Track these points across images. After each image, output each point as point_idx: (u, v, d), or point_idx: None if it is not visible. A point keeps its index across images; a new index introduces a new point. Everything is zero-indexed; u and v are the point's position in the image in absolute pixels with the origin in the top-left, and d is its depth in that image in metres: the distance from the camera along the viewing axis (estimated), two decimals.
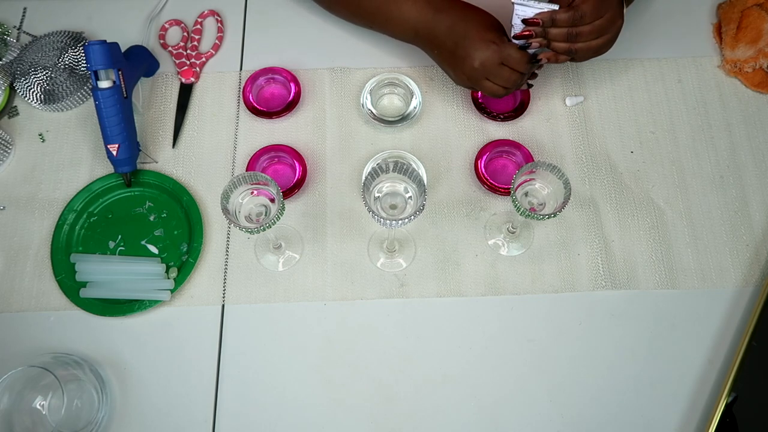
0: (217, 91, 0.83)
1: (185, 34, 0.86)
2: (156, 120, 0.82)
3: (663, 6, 0.88)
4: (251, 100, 0.81)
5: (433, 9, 0.74)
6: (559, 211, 0.63)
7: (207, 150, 0.80)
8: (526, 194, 0.68)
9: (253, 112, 0.81)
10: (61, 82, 0.81)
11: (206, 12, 0.87)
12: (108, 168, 0.79)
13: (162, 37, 0.86)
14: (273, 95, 0.83)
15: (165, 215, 0.77)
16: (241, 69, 0.85)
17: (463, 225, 0.76)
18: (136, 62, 0.80)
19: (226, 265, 0.75)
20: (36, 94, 0.81)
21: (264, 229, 0.62)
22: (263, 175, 0.63)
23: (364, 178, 0.74)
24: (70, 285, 0.73)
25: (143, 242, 0.76)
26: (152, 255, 0.75)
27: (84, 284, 0.73)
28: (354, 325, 0.72)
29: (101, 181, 0.78)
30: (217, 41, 0.86)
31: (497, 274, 0.74)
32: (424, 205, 0.61)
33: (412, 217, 0.60)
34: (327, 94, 0.83)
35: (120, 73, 0.74)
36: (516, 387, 0.70)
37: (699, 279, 0.74)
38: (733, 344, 0.71)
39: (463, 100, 0.82)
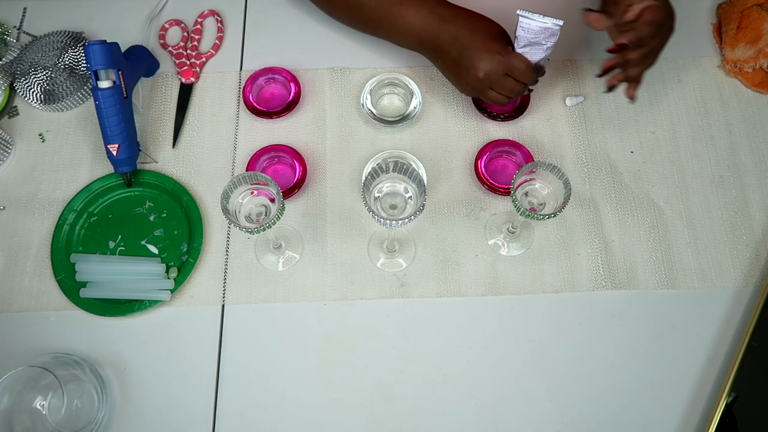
0: (217, 91, 0.83)
1: (185, 34, 0.86)
2: (156, 120, 0.82)
3: None
4: (251, 100, 0.81)
5: (437, 17, 0.73)
6: (559, 211, 0.63)
7: (207, 150, 0.80)
8: (526, 194, 0.68)
9: (253, 112, 0.81)
10: (61, 82, 0.81)
11: (206, 12, 0.88)
12: (108, 168, 0.79)
13: (162, 37, 0.86)
14: (273, 95, 0.83)
15: (165, 215, 0.77)
16: (241, 69, 0.85)
17: (463, 225, 0.76)
18: (136, 62, 0.80)
19: (226, 265, 0.75)
20: (36, 94, 0.81)
21: (264, 229, 0.62)
22: (263, 175, 0.63)
23: (364, 178, 0.74)
24: (70, 285, 0.73)
25: (143, 242, 0.76)
26: (152, 255, 0.75)
27: (84, 284, 0.73)
28: (354, 325, 0.72)
29: (101, 181, 0.78)
30: (217, 41, 0.86)
31: (497, 274, 0.74)
32: (424, 205, 0.61)
33: (412, 217, 0.60)
34: (327, 94, 0.83)
35: (120, 73, 0.74)
36: (516, 387, 0.70)
37: (699, 279, 0.74)
38: (733, 344, 0.71)
39: (463, 100, 0.82)
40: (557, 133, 0.81)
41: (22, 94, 0.81)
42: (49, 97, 0.81)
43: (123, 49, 0.79)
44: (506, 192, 0.76)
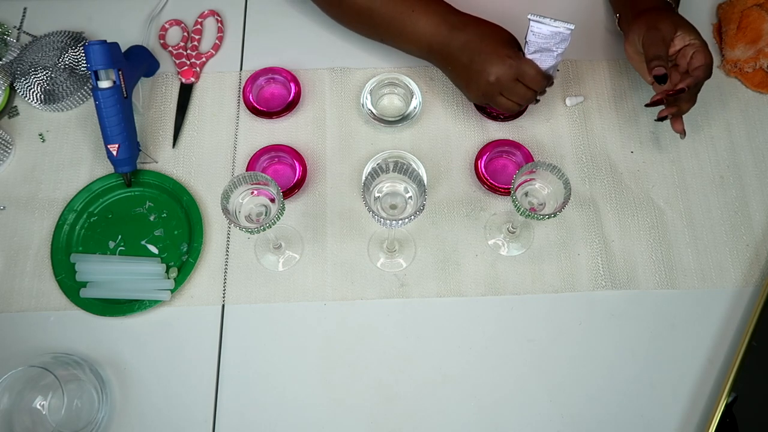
0: (217, 91, 0.83)
1: (185, 34, 0.86)
2: (156, 120, 0.82)
3: None
4: (251, 100, 0.81)
5: (448, 25, 0.73)
6: (559, 211, 0.63)
7: (207, 150, 0.80)
8: (526, 194, 0.68)
9: (253, 112, 0.81)
10: (61, 82, 0.81)
11: (206, 12, 0.88)
12: (108, 168, 0.79)
13: (162, 37, 0.86)
14: (273, 95, 0.83)
15: (165, 215, 0.77)
16: (241, 69, 0.85)
17: (463, 225, 0.76)
18: (136, 62, 0.80)
19: (226, 265, 0.75)
20: (36, 94, 0.81)
21: (264, 229, 0.62)
22: (263, 175, 0.63)
23: (364, 178, 0.74)
24: (70, 285, 0.73)
25: (143, 242, 0.76)
26: (152, 255, 0.75)
27: (84, 284, 0.73)
28: (354, 325, 0.72)
29: (101, 181, 0.78)
30: (217, 41, 0.86)
31: (497, 274, 0.74)
32: (424, 205, 0.61)
33: (412, 217, 0.60)
34: (327, 94, 0.83)
35: (120, 73, 0.74)
36: (516, 387, 0.70)
37: (699, 279, 0.74)
38: (733, 344, 0.71)
39: (463, 100, 0.82)
40: (557, 133, 0.81)
41: (22, 94, 0.81)
42: (49, 97, 0.81)
43: (123, 49, 0.79)
44: (506, 192, 0.76)
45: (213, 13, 0.88)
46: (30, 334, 0.72)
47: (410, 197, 0.65)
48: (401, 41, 0.78)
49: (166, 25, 0.87)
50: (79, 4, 0.89)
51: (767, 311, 0.71)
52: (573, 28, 0.67)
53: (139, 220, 0.77)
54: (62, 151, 0.80)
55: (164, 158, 0.80)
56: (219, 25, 0.87)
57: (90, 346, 0.71)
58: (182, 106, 0.82)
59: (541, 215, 0.63)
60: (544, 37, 0.68)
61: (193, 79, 0.83)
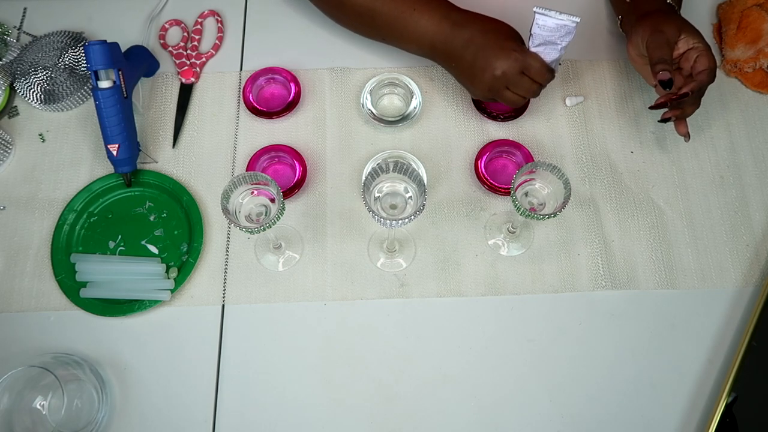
0: (217, 91, 0.83)
1: (185, 34, 0.86)
2: (156, 120, 0.82)
3: None
4: (251, 100, 0.81)
5: (450, 22, 0.73)
6: (559, 211, 0.63)
7: (207, 150, 0.80)
8: (526, 194, 0.68)
9: (253, 112, 0.81)
10: (61, 82, 0.81)
11: (206, 12, 0.88)
12: (108, 168, 0.79)
13: (162, 37, 0.86)
14: (273, 95, 0.83)
15: (165, 215, 0.77)
16: (241, 69, 0.85)
17: (463, 225, 0.76)
18: (136, 62, 0.80)
19: (226, 265, 0.75)
20: (36, 94, 0.81)
21: (264, 229, 0.62)
22: (263, 175, 0.63)
23: (364, 178, 0.74)
24: (70, 285, 0.73)
25: (143, 242, 0.76)
26: (152, 255, 0.75)
27: (84, 284, 0.73)
28: (354, 325, 0.72)
29: (101, 181, 0.78)
30: (217, 41, 0.86)
31: (497, 274, 0.74)
32: (424, 205, 0.61)
33: (412, 217, 0.60)
34: (327, 94, 0.83)
35: (120, 73, 0.74)
36: (516, 387, 0.70)
37: (699, 279, 0.74)
38: (733, 344, 0.71)
39: (463, 100, 0.82)
40: (557, 133, 0.81)
41: (22, 94, 0.81)
42: (49, 97, 0.81)
43: (123, 49, 0.79)
44: (506, 192, 0.76)
45: (213, 13, 0.88)
46: (30, 334, 0.72)
47: (410, 197, 0.65)
48: (403, 41, 0.78)
49: (166, 25, 0.87)
50: (79, 4, 0.89)
51: (767, 311, 0.71)
52: (579, 21, 0.67)
53: (139, 220, 0.77)
54: (62, 151, 0.80)
55: (164, 158, 0.80)
56: (219, 25, 0.87)
57: (90, 346, 0.71)
58: (182, 106, 0.82)
59: (541, 215, 0.63)
60: (549, 30, 0.68)
61: (193, 79, 0.83)
